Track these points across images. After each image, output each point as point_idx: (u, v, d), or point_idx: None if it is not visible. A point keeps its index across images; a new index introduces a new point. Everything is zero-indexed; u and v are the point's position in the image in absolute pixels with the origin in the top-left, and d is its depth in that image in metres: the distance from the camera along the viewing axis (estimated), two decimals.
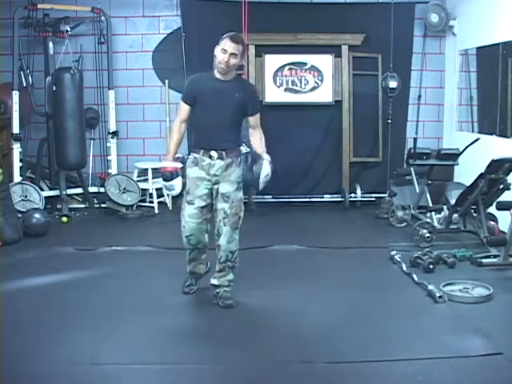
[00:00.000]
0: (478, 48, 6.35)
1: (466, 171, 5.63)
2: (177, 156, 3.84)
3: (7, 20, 6.41)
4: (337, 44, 6.83)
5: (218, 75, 3.70)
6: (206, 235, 3.87)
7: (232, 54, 3.59)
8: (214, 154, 3.69)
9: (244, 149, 6.10)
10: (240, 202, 3.77)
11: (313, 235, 5.60)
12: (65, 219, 6.18)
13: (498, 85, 5.89)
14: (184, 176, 3.81)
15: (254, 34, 6.41)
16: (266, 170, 3.63)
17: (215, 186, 3.73)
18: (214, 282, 3.90)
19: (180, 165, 3.80)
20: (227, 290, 3.85)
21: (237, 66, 3.73)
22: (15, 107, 6.23)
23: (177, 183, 3.74)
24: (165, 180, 3.76)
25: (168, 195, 6.40)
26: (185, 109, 3.78)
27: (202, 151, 3.72)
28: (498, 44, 5.76)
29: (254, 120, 3.81)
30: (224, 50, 3.59)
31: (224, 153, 3.70)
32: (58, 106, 6.32)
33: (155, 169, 6.76)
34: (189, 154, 3.93)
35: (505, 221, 4.85)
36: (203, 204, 3.74)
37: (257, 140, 3.83)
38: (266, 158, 3.69)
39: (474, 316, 3.61)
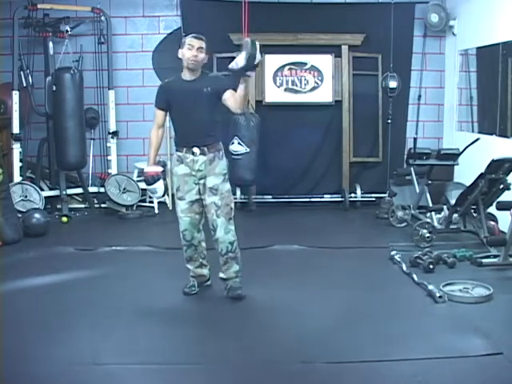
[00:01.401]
0: (478, 48, 6.34)
1: (466, 171, 5.63)
2: (157, 160, 4.03)
3: (7, 20, 6.42)
4: (337, 44, 6.83)
5: (185, 76, 3.83)
6: (201, 232, 3.98)
7: (199, 48, 3.75)
8: (196, 150, 3.82)
9: (244, 149, 6.19)
10: (229, 193, 3.90)
11: (313, 235, 5.60)
12: (65, 219, 6.19)
13: (498, 85, 5.89)
14: (165, 179, 3.90)
15: (253, 34, 6.34)
16: (241, 55, 3.48)
17: (201, 181, 3.85)
18: (221, 275, 3.99)
19: (161, 169, 3.97)
20: (236, 280, 3.96)
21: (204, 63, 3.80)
22: (15, 107, 6.23)
23: (159, 186, 3.90)
24: (147, 184, 3.93)
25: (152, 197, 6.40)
26: (160, 114, 3.92)
27: (184, 149, 3.85)
28: (498, 44, 5.76)
29: (230, 94, 3.72)
30: (190, 46, 3.74)
31: (206, 148, 3.82)
32: (58, 105, 6.32)
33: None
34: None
35: (505, 221, 4.85)
36: (193, 198, 3.88)
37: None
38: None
39: (473, 316, 3.61)
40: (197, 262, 4.02)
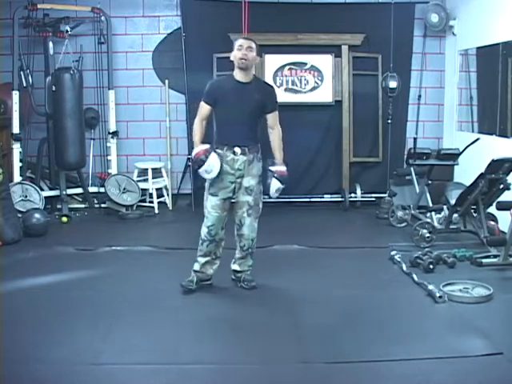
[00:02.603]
0: (478, 48, 6.34)
1: (466, 171, 5.63)
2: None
3: (7, 20, 6.42)
4: (337, 44, 6.83)
5: (238, 77, 3.95)
6: (223, 231, 4.04)
7: (248, 47, 3.91)
8: (237, 150, 3.94)
9: None
10: (260, 194, 4.11)
11: (313, 235, 5.60)
12: (65, 219, 6.19)
13: (498, 85, 5.88)
14: (219, 154, 3.91)
15: (254, 33, 6.37)
16: (276, 185, 4.01)
17: (238, 180, 3.98)
18: (235, 267, 4.19)
19: (208, 146, 3.92)
20: (248, 273, 4.18)
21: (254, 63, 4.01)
22: (15, 107, 6.23)
23: (214, 163, 3.84)
24: (200, 164, 3.86)
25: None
26: (205, 109, 3.99)
27: (225, 147, 3.94)
28: (497, 44, 5.76)
29: (272, 118, 4.08)
30: (240, 46, 3.91)
31: (246, 149, 3.96)
32: (57, 106, 6.32)
33: (155, 169, 6.78)
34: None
35: (505, 221, 4.85)
36: (226, 196, 3.99)
37: (276, 142, 4.13)
38: (281, 169, 4.04)
39: (473, 316, 3.61)
40: (211, 257, 4.05)
